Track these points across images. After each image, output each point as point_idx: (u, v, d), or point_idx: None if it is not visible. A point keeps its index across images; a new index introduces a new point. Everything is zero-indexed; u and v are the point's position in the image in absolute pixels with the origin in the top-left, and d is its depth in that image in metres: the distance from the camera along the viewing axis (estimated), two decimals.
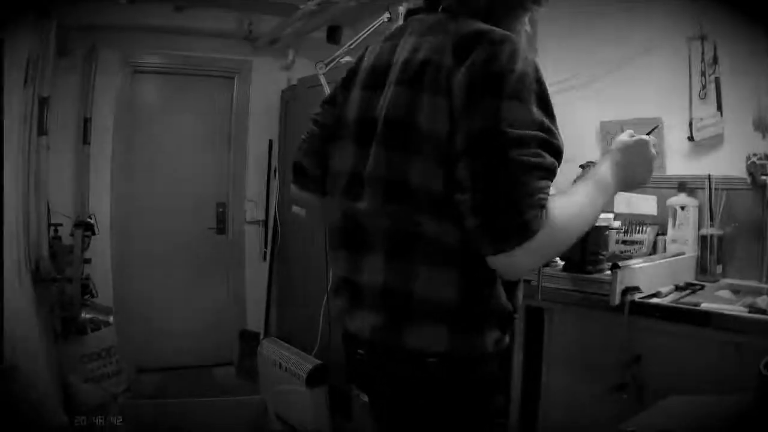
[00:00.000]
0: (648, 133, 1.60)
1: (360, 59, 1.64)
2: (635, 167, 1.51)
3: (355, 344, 1.52)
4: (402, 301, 1.37)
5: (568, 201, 1.30)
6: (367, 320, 1.44)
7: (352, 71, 1.63)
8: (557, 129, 1.27)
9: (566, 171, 3.27)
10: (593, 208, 1.37)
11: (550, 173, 1.23)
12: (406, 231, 1.37)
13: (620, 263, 2.24)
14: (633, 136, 1.55)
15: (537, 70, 1.29)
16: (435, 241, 1.34)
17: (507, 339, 1.47)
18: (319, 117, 1.71)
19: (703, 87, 2.79)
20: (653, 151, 1.54)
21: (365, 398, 1.57)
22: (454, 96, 1.29)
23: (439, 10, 1.48)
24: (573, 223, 1.31)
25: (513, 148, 1.20)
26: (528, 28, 1.50)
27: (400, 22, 3.62)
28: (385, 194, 1.40)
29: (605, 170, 1.44)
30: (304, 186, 1.77)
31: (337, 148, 1.59)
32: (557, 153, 1.26)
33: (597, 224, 2.32)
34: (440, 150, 1.30)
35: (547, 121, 1.25)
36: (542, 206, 1.20)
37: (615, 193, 1.48)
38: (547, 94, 1.29)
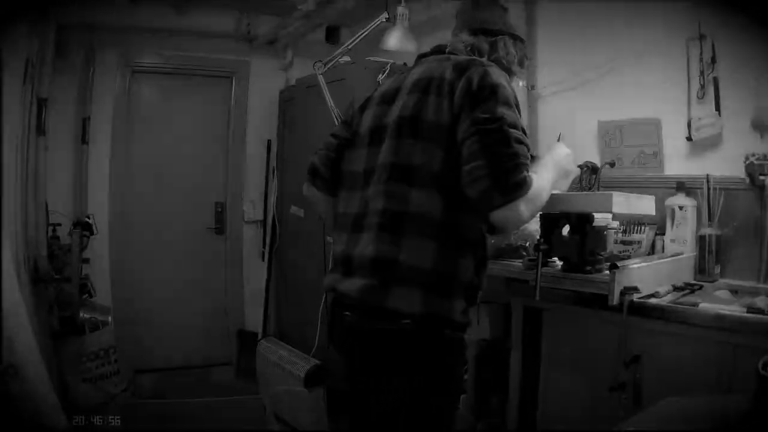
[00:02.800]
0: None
1: (375, 90, 2.06)
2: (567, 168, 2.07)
3: (342, 307, 1.83)
4: (389, 267, 1.69)
5: (541, 175, 1.76)
6: (357, 283, 1.74)
7: (368, 98, 2.05)
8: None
9: None
10: (551, 183, 1.87)
11: (529, 152, 1.67)
12: (396, 210, 1.72)
13: (619, 263, 2.24)
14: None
15: (514, 91, 1.76)
16: (420, 217, 1.70)
17: (470, 315, 1.80)
18: (337, 132, 2.10)
19: (702, 87, 2.79)
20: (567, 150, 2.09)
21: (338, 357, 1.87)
22: (455, 98, 1.72)
23: (446, 53, 1.95)
24: (545, 188, 1.78)
25: (510, 128, 1.64)
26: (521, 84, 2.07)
27: (399, 22, 3.63)
28: (389, 175, 1.76)
29: (559, 161, 2.00)
30: (315, 184, 2.09)
31: (352, 155, 1.97)
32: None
33: (595, 224, 2.33)
34: (442, 136, 1.71)
35: (521, 124, 1.71)
36: (528, 170, 1.64)
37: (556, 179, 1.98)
38: (519, 108, 1.76)
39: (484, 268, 1.83)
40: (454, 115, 1.71)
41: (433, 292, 1.68)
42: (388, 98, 1.92)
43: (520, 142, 1.63)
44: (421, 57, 2.01)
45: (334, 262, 1.93)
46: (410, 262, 1.68)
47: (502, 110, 1.66)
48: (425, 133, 1.74)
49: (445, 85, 1.75)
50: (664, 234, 2.81)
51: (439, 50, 1.98)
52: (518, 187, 1.60)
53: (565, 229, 2.30)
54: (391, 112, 1.86)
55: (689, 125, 2.81)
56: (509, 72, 1.98)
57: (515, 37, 2.03)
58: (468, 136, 1.65)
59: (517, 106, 1.74)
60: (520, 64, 2.05)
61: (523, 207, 1.63)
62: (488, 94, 1.69)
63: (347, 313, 1.81)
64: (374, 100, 1.98)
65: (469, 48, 1.96)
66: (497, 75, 1.75)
